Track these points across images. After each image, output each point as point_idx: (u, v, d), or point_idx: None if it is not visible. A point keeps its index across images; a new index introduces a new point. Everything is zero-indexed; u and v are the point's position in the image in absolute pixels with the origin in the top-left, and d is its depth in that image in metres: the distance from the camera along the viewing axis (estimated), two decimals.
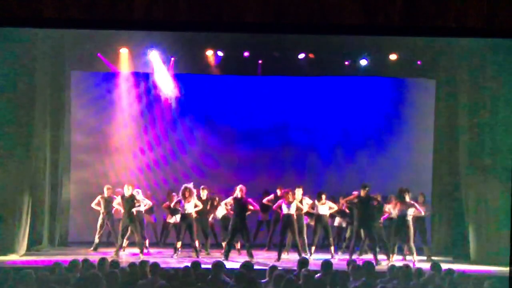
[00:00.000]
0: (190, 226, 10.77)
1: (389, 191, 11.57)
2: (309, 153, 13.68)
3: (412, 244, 10.50)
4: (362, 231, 10.75)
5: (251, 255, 10.49)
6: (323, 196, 11.08)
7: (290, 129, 13.79)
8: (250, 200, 10.79)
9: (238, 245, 11.40)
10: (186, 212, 10.71)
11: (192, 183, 10.93)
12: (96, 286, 6.02)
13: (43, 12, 5.39)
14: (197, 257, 10.49)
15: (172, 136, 13.75)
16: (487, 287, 6.00)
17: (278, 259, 10.47)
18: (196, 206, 10.85)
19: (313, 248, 11.04)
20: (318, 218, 11.11)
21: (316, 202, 11.14)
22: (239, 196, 10.61)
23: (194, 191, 10.80)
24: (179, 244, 10.83)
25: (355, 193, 10.65)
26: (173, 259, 10.46)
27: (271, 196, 11.52)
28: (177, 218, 11.36)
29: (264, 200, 11.48)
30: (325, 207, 11.13)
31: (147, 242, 11.39)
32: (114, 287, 6.21)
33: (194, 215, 10.83)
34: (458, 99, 11.82)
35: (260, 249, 11.77)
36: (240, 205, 10.62)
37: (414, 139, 13.50)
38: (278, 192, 11.52)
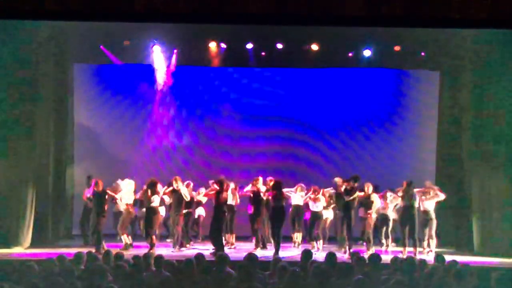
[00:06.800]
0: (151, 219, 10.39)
1: (393, 181, 11.51)
2: (313, 144, 13.66)
3: (416, 236, 10.49)
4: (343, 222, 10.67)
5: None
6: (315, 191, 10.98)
7: (293, 120, 13.75)
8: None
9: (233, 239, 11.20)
10: (152, 205, 10.37)
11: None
12: (101, 279, 6.03)
13: (45, 4, 5.38)
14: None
15: (175, 128, 13.73)
16: (495, 279, 5.95)
17: (277, 252, 9.92)
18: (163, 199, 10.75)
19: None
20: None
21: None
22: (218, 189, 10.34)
23: (160, 185, 10.54)
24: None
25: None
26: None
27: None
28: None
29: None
30: (320, 204, 11.06)
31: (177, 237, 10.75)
32: (119, 279, 6.23)
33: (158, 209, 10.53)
34: (462, 90, 11.76)
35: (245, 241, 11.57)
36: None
37: (418, 130, 13.46)
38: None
